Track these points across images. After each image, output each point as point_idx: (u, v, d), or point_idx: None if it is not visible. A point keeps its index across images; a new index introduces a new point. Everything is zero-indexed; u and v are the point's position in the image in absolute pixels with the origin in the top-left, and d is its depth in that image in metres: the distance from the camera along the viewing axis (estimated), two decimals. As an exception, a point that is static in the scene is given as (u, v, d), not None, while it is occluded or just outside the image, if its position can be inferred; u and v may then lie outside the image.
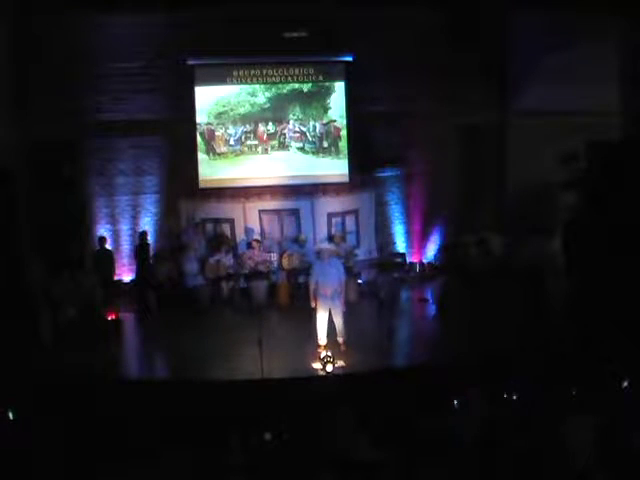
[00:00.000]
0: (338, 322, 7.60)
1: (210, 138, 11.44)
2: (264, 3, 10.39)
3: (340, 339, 7.66)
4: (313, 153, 11.69)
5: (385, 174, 11.87)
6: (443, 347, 7.78)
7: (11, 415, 5.52)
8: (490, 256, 9.84)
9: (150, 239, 10.87)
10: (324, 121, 11.67)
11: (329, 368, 6.78)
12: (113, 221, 11.35)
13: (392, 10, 10.80)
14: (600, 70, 11.00)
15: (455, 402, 5.18)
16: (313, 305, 7.62)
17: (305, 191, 11.56)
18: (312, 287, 7.61)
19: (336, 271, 7.61)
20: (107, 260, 10.46)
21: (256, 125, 11.50)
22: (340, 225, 11.55)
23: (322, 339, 7.61)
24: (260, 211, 11.45)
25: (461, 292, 9.13)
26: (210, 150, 11.46)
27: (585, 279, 8.50)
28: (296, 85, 11.60)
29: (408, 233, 12.09)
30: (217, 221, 11.35)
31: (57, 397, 6.03)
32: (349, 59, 11.41)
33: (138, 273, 10.53)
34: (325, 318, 7.58)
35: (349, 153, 11.66)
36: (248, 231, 11.28)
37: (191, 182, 11.33)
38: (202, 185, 11.38)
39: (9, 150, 9.99)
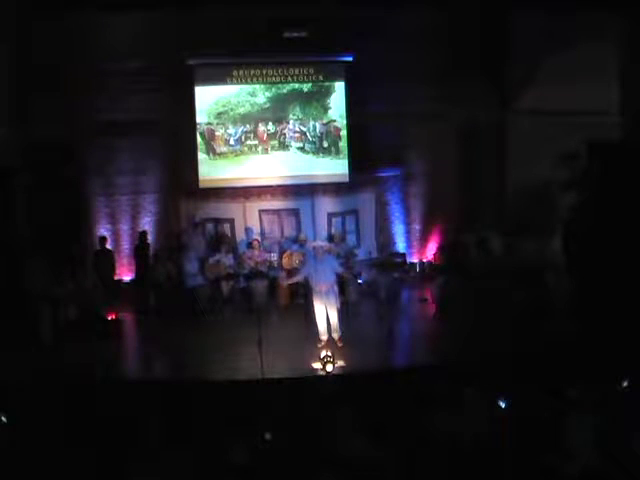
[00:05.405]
0: (333, 318, 7.78)
1: (210, 138, 11.44)
2: (264, 3, 10.40)
3: (335, 335, 7.81)
4: (313, 153, 11.69)
5: (385, 174, 11.88)
6: (443, 347, 7.77)
7: (11, 414, 5.52)
8: (490, 256, 9.85)
9: (150, 239, 10.88)
10: (324, 121, 11.67)
11: (329, 368, 6.79)
12: (113, 221, 11.36)
13: (392, 10, 10.80)
14: (600, 70, 11.01)
15: (455, 402, 5.18)
16: (313, 301, 7.84)
17: (305, 191, 11.57)
18: (299, 278, 8.12)
19: (330, 268, 7.81)
20: (107, 260, 10.47)
21: (256, 125, 11.50)
22: (340, 225, 11.57)
23: (323, 334, 7.80)
24: (260, 211, 11.47)
25: (461, 292, 9.14)
26: (210, 150, 11.46)
27: (585, 279, 8.51)
28: (296, 85, 11.60)
29: (408, 233, 12.10)
30: (217, 221, 11.37)
31: (57, 397, 6.02)
32: (349, 59, 11.40)
33: (138, 273, 10.54)
34: (323, 314, 7.77)
35: (349, 153, 11.65)
36: (248, 231, 11.29)
37: (191, 182, 11.34)
38: (202, 185, 11.38)
39: (9, 150, 10.00)
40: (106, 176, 11.27)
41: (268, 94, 11.53)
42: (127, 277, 11.15)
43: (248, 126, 11.49)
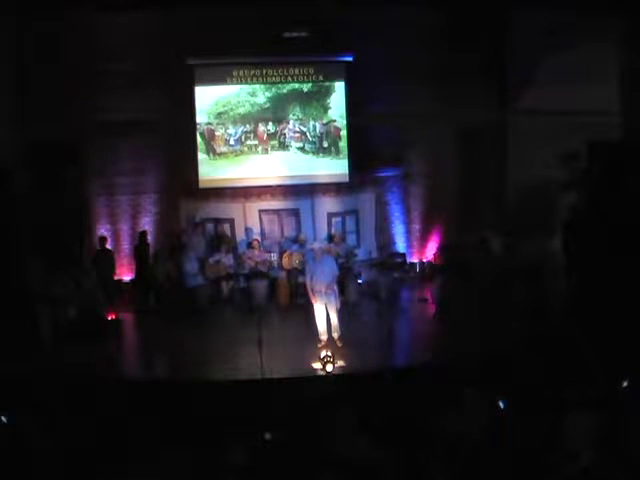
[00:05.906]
0: (333, 318, 7.83)
1: (210, 138, 11.44)
2: (264, 3, 10.40)
3: (335, 335, 7.85)
4: (313, 153, 11.69)
5: (385, 174, 11.89)
6: (443, 347, 7.78)
7: (11, 414, 5.52)
8: (490, 256, 9.84)
9: (150, 239, 10.88)
10: (324, 121, 11.67)
11: (329, 368, 6.79)
12: (113, 221, 11.36)
13: (392, 10, 10.80)
14: (600, 70, 11.00)
15: (455, 402, 5.17)
16: (313, 301, 7.89)
17: (305, 191, 11.58)
18: (308, 285, 7.89)
19: (329, 269, 7.86)
20: (107, 260, 10.47)
21: (256, 125, 11.50)
22: (340, 225, 11.58)
23: (322, 334, 7.82)
24: (260, 211, 11.48)
25: (461, 292, 9.14)
26: (210, 150, 11.47)
27: (585, 279, 8.51)
28: (296, 85, 11.60)
29: (408, 233, 12.11)
30: (217, 221, 11.38)
31: (57, 397, 6.02)
32: (349, 59, 11.42)
33: (138, 273, 10.54)
34: (323, 314, 7.82)
35: (349, 153, 11.66)
36: (248, 231, 11.30)
37: (191, 182, 11.34)
38: (202, 185, 11.38)
39: (9, 150, 10.00)
40: (106, 176, 11.27)
41: (268, 94, 11.53)
42: (127, 277, 11.15)
43: (248, 126, 11.50)
